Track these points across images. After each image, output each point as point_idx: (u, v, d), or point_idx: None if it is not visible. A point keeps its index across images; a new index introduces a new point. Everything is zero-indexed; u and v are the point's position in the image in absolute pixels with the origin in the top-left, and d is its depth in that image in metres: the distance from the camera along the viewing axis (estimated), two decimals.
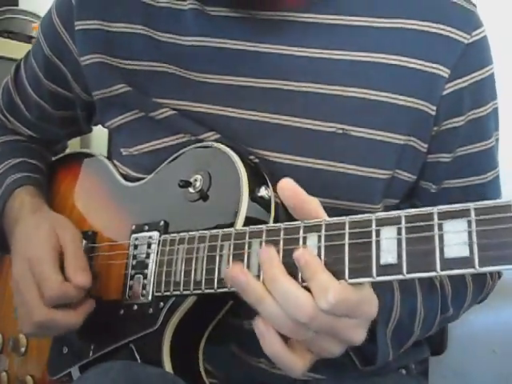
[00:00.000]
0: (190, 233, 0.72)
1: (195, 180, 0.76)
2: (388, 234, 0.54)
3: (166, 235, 0.76)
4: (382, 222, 0.55)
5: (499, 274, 0.94)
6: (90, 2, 0.86)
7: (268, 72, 0.79)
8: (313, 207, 0.61)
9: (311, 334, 0.59)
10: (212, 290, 0.68)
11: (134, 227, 0.81)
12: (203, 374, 0.77)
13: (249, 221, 0.71)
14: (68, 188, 0.97)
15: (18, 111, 1.01)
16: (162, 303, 0.75)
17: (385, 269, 0.54)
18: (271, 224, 0.65)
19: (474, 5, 0.82)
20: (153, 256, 0.77)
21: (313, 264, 0.58)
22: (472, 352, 1.29)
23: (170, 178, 0.79)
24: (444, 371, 1.20)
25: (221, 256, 0.67)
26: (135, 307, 0.78)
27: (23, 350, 0.91)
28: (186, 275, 0.71)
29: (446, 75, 0.78)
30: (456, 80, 0.78)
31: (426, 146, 0.81)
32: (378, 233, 0.55)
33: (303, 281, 0.59)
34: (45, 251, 0.78)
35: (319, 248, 0.59)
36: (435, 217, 0.52)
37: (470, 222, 0.50)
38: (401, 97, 0.77)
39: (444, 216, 0.52)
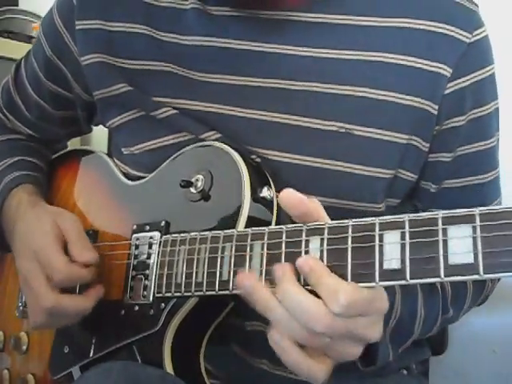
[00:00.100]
0: (192, 234, 0.72)
1: (197, 180, 0.76)
2: (391, 239, 0.54)
3: (168, 236, 0.76)
4: (385, 226, 0.55)
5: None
6: (91, 2, 0.85)
7: (272, 72, 0.79)
8: (316, 211, 0.61)
9: (327, 340, 0.58)
10: (213, 292, 0.68)
11: (135, 227, 0.81)
12: (204, 375, 0.77)
13: (251, 222, 0.70)
14: (69, 185, 0.96)
15: (17, 110, 1.00)
16: (163, 304, 0.75)
17: (388, 274, 0.54)
18: (273, 226, 0.65)
19: (476, 5, 0.81)
20: (154, 257, 0.77)
21: (318, 269, 0.57)
22: (472, 352, 1.29)
23: (172, 178, 0.79)
24: (444, 371, 1.19)
25: (222, 258, 0.67)
26: (136, 308, 0.78)
27: (24, 348, 0.91)
28: (187, 277, 0.71)
29: (448, 74, 0.77)
30: (457, 79, 0.78)
31: (427, 145, 0.80)
32: (381, 237, 0.55)
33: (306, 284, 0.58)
34: (48, 240, 0.78)
35: (321, 251, 0.58)
36: (439, 222, 0.52)
37: (474, 228, 0.50)
38: (407, 96, 0.77)
39: (448, 221, 0.51)
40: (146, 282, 0.77)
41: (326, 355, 0.61)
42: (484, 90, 0.82)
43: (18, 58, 1.02)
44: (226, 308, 0.75)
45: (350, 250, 0.56)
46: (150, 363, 0.74)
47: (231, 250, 0.66)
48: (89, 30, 0.85)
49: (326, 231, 0.58)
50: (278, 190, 0.63)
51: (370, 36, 0.78)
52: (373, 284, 0.55)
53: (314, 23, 0.79)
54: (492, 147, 0.85)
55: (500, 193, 0.90)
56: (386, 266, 0.54)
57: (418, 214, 0.53)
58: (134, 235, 0.81)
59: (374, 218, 0.56)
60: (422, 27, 0.78)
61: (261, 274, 0.63)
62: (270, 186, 0.73)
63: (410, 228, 0.53)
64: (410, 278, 0.53)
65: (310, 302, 0.57)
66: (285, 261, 0.61)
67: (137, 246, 0.80)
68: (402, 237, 0.53)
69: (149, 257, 0.78)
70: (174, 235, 0.75)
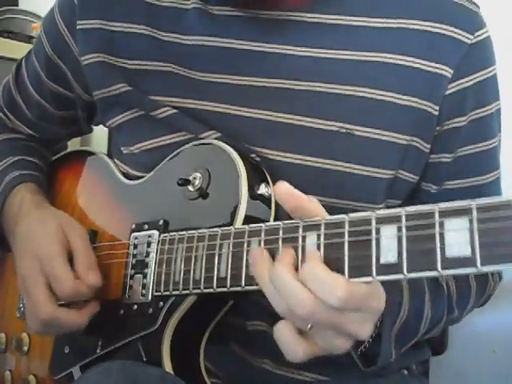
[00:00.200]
0: (190, 231, 0.72)
1: (194, 178, 0.76)
2: (388, 233, 0.54)
3: (166, 234, 0.76)
4: (382, 220, 0.55)
5: (500, 276, 0.94)
6: (92, 2, 0.86)
7: (273, 72, 0.79)
8: (312, 207, 0.60)
9: (309, 326, 0.57)
10: (211, 290, 0.67)
11: (133, 226, 0.81)
12: (204, 374, 0.77)
13: (249, 219, 0.70)
14: (69, 187, 0.96)
15: (18, 110, 1.01)
16: (161, 303, 0.75)
17: (385, 268, 0.54)
18: (270, 222, 0.65)
19: (477, 5, 0.82)
20: (152, 255, 0.77)
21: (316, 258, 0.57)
22: (472, 352, 1.29)
23: (170, 176, 0.79)
24: (444, 371, 1.19)
25: (220, 255, 0.67)
26: (135, 307, 0.78)
27: (26, 348, 0.91)
28: (185, 274, 0.71)
29: (449, 75, 0.78)
30: (459, 80, 0.78)
31: (428, 146, 0.81)
32: (377, 231, 0.54)
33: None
34: (54, 247, 0.78)
35: (318, 246, 0.58)
36: (436, 215, 0.51)
37: (471, 220, 0.49)
38: (405, 97, 0.77)
39: (445, 214, 0.51)
40: (145, 280, 0.77)
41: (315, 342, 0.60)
42: (486, 90, 0.82)
43: (18, 57, 1.02)
44: (225, 306, 0.75)
45: (346, 244, 0.56)
46: (153, 362, 0.74)
47: (229, 248, 0.66)
48: (89, 30, 0.85)
49: (322, 227, 0.58)
50: None
51: (370, 36, 0.78)
52: (370, 279, 0.55)
53: (315, 23, 0.79)
54: (493, 148, 0.85)
55: (501, 193, 0.90)
56: (382, 259, 0.54)
57: (415, 208, 0.53)
58: (133, 234, 0.81)
59: (370, 213, 0.56)
60: (422, 28, 0.78)
61: None
62: (267, 183, 0.73)
63: (406, 221, 0.53)
64: (407, 272, 0.52)
65: (298, 288, 0.56)
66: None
67: (135, 246, 0.80)
68: (399, 230, 0.53)
69: (147, 255, 0.78)
70: (172, 233, 0.75)
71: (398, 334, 0.74)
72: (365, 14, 0.79)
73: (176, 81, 0.82)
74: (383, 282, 0.65)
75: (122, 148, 0.87)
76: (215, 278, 0.67)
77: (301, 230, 0.60)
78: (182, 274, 0.71)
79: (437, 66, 0.77)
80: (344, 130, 0.77)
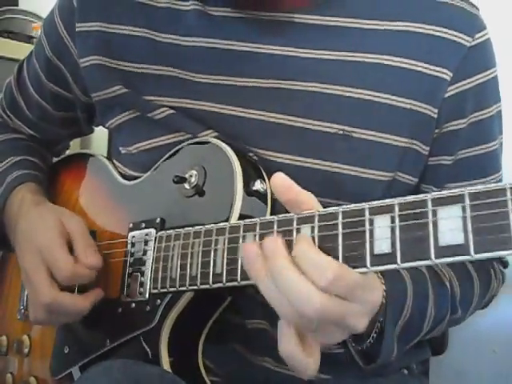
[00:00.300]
0: (186, 228, 0.72)
1: (190, 176, 0.76)
2: (381, 223, 0.54)
3: (163, 232, 0.76)
4: (375, 211, 0.55)
5: (503, 278, 0.94)
6: (92, 5, 0.86)
7: (273, 73, 0.79)
8: (306, 199, 0.60)
9: (315, 324, 0.56)
10: (207, 286, 0.68)
11: (131, 225, 0.82)
12: (203, 371, 0.77)
13: (244, 214, 0.70)
14: (68, 189, 0.97)
15: (19, 111, 1.01)
16: (159, 300, 0.75)
17: (379, 258, 0.54)
18: (265, 217, 0.65)
19: (477, 7, 0.82)
20: (150, 253, 0.77)
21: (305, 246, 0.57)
22: (472, 352, 1.28)
23: (166, 175, 0.79)
24: (444, 371, 1.18)
25: (215, 250, 0.67)
26: (133, 305, 0.78)
27: (26, 350, 0.91)
28: (181, 271, 0.71)
29: (449, 78, 0.78)
30: (458, 82, 0.78)
31: (427, 148, 0.81)
32: (371, 222, 0.55)
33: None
34: (53, 238, 0.79)
35: (313, 238, 0.58)
36: (429, 203, 0.51)
37: (464, 208, 0.49)
38: (404, 99, 0.77)
39: (438, 202, 0.51)
40: (142, 278, 0.77)
41: (315, 344, 0.59)
42: (486, 92, 0.82)
43: (18, 57, 1.04)
44: (223, 303, 0.75)
45: (340, 235, 0.56)
46: (152, 359, 0.74)
47: (224, 243, 0.66)
48: (88, 32, 0.86)
49: (316, 219, 0.58)
50: None
51: (370, 38, 0.79)
52: (365, 269, 0.55)
53: (314, 25, 0.79)
54: (494, 150, 0.85)
55: None
56: (376, 250, 0.54)
57: (408, 197, 0.53)
58: (131, 233, 0.81)
59: (363, 204, 0.56)
60: (422, 31, 0.78)
61: None
62: (263, 179, 0.74)
63: (399, 211, 0.53)
64: (401, 262, 0.52)
65: (301, 282, 0.55)
66: None
67: (133, 244, 0.80)
68: (392, 220, 0.53)
69: (144, 253, 0.78)
70: (168, 231, 0.75)
71: (401, 331, 0.74)
72: (364, 17, 0.79)
73: (173, 82, 0.82)
74: (386, 280, 0.65)
75: (120, 148, 0.88)
76: (211, 273, 0.67)
77: (295, 223, 0.60)
78: (178, 270, 0.71)
79: (436, 68, 0.78)
80: (342, 132, 0.77)
